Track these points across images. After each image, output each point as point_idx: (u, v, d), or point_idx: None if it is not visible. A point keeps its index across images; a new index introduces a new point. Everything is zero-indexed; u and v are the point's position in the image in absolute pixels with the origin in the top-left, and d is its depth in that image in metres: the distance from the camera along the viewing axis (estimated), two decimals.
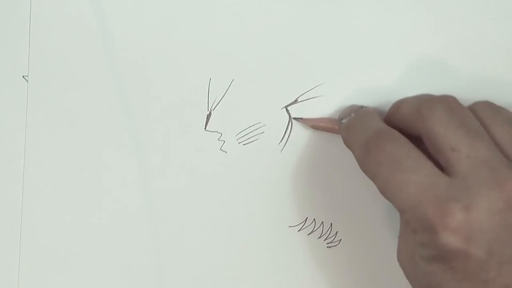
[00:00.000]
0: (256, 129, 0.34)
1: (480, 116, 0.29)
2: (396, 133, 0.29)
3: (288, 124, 0.34)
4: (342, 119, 0.32)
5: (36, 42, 0.33)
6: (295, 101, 0.34)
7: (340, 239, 0.34)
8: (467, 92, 0.34)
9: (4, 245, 0.34)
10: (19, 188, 0.34)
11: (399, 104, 0.31)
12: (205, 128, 0.34)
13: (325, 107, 0.34)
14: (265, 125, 0.34)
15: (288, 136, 0.34)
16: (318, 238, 0.34)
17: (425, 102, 0.29)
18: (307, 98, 0.34)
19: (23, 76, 0.34)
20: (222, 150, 0.34)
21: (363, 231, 0.34)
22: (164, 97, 0.34)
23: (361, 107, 0.33)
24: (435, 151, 0.28)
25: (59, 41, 0.33)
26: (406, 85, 0.34)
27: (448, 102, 0.29)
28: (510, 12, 0.34)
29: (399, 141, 0.28)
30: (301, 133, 0.34)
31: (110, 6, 0.33)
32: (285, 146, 0.34)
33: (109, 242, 0.34)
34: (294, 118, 0.34)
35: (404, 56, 0.34)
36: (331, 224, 0.34)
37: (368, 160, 0.28)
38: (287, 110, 0.34)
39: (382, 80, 0.34)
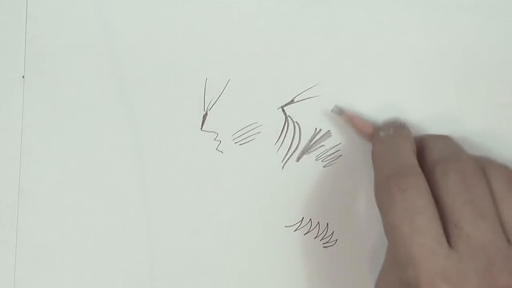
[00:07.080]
0: (252, 129, 0.34)
1: (493, 189, 0.28)
2: (421, 179, 0.28)
3: (285, 124, 0.34)
4: (381, 130, 0.32)
5: (32, 41, 0.34)
6: (291, 101, 0.34)
7: (336, 239, 0.34)
8: (467, 91, 0.34)
9: (0, 245, 0.34)
10: (15, 187, 0.34)
11: (424, 145, 0.31)
12: (201, 128, 0.34)
13: (321, 107, 0.34)
14: (261, 125, 0.34)
15: (284, 136, 0.34)
16: (315, 238, 0.34)
17: (442, 161, 0.29)
18: (303, 98, 0.34)
19: (22, 76, 0.34)
20: (218, 150, 0.34)
21: (359, 231, 0.34)
22: (161, 97, 0.34)
23: (403, 125, 0.32)
24: (441, 212, 0.28)
25: (55, 40, 0.34)
26: (403, 85, 0.34)
27: (463, 170, 0.28)
28: (510, 12, 0.34)
29: (420, 189, 0.28)
30: (297, 133, 0.34)
31: (107, 6, 0.34)
32: (281, 146, 0.34)
33: (105, 241, 0.34)
34: (334, 108, 0.33)
35: (402, 56, 0.34)
36: (327, 224, 0.34)
37: (384, 194, 0.28)
38: (283, 110, 0.34)
39: (379, 80, 0.34)
